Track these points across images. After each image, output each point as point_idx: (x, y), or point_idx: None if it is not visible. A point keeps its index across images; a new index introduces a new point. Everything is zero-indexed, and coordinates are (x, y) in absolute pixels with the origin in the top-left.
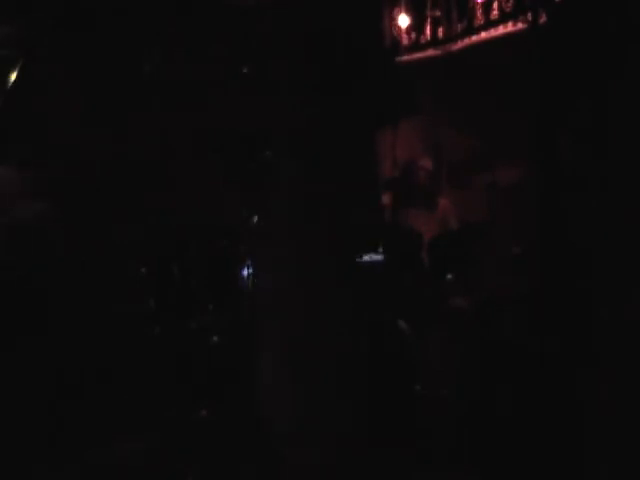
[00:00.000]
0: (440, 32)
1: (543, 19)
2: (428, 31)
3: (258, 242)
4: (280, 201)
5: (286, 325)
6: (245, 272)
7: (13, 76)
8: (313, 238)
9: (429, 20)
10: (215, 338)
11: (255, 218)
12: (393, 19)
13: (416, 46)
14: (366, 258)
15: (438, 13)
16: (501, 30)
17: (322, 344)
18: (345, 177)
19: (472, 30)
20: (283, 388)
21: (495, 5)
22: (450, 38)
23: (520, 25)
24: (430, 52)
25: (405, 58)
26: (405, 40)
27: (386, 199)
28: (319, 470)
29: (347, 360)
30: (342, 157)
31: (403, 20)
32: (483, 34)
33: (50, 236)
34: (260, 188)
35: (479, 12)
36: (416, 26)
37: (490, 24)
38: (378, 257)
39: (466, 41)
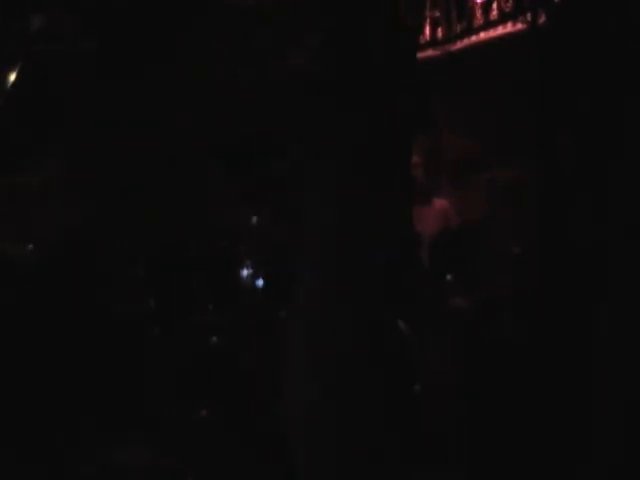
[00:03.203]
0: (439, 32)
1: (542, 19)
2: (427, 31)
3: (293, 245)
4: (309, 204)
5: (310, 326)
6: (245, 272)
7: (13, 76)
8: (345, 239)
9: (428, 20)
10: (215, 338)
11: (255, 218)
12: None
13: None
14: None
15: (437, 13)
16: (500, 31)
17: (342, 345)
18: (379, 179)
19: (471, 31)
20: (303, 388)
21: (494, 5)
22: (449, 38)
23: (519, 26)
24: (429, 52)
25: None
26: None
27: None
28: (333, 471)
29: (366, 361)
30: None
31: None
32: (482, 35)
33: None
34: (283, 190)
35: (478, 13)
36: (415, 26)
37: (489, 25)
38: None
39: (465, 42)
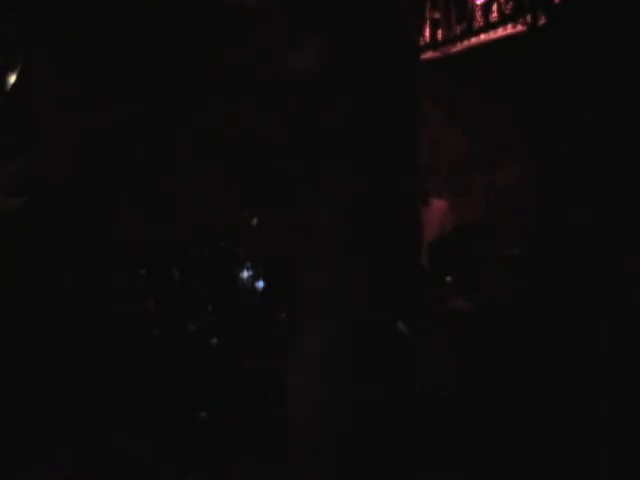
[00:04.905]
0: (439, 34)
1: (542, 21)
2: (427, 33)
3: (299, 243)
4: (323, 203)
5: (322, 325)
6: (245, 273)
7: (13, 77)
8: (357, 239)
9: (428, 22)
10: (215, 339)
11: (255, 219)
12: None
13: None
14: None
15: (437, 15)
16: (500, 32)
17: (358, 346)
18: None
19: (471, 32)
20: (312, 389)
21: (494, 7)
22: (449, 40)
23: (519, 27)
24: (430, 54)
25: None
26: None
27: None
28: (333, 472)
29: (365, 362)
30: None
31: None
32: (482, 36)
33: (48, 235)
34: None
35: (478, 14)
36: (415, 28)
37: (489, 26)
38: None
39: (465, 43)
